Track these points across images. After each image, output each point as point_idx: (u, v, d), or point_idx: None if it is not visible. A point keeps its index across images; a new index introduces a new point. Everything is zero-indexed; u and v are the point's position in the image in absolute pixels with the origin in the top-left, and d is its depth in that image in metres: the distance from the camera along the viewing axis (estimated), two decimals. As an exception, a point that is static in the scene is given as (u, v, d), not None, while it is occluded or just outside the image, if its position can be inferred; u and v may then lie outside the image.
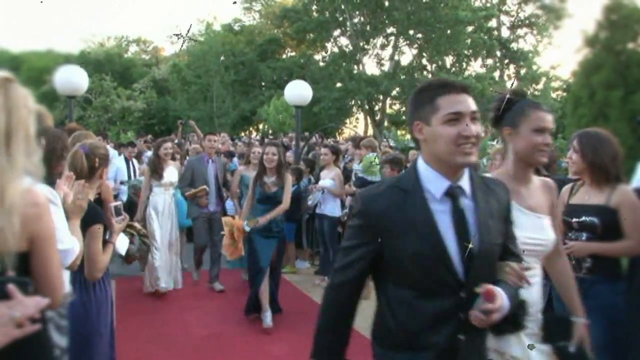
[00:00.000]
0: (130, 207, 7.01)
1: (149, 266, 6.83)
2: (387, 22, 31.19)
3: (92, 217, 2.90)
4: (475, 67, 32.28)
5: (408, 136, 31.11)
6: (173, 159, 7.68)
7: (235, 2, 35.69)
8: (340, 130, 31.13)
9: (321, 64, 32.53)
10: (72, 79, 9.00)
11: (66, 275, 2.62)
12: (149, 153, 10.82)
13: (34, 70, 28.93)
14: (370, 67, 47.45)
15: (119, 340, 3.58)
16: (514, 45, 31.83)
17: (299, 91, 9.64)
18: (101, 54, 35.51)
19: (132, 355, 4.85)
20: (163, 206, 6.77)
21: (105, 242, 3.05)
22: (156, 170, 6.70)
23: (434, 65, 32.40)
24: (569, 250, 3.35)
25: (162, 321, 5.94)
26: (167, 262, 6.77)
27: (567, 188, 3.57)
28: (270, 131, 24.92)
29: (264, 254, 5.76)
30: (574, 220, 3.38)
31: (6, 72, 1.66)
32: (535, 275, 2.40)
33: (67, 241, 2.20)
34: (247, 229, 5.80)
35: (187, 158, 9.04)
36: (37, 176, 1.70)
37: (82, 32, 61.31)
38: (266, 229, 5.80)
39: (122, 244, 3.37)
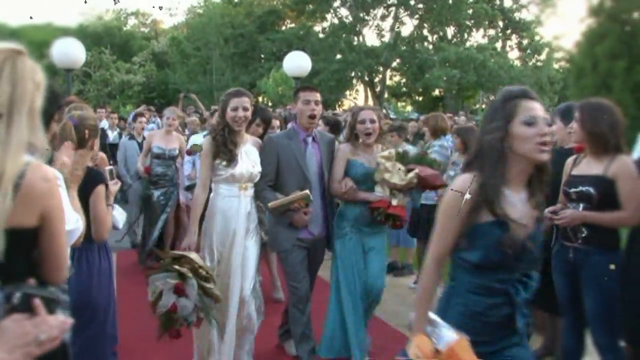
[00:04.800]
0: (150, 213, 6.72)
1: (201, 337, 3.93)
2: (387, -8, 30.84)
3: (94, 178, 2.99)
4: (477, 37, 31.99)
5: (408, 108, 31.06)
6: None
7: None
8: (340, 102, 30.99)
9: (321, 35, 32.24)
10: (69, 52, 8.95)
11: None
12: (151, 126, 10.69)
13: (32, 44, 28.60)
14: (370, 38, 47.08)
15: (119, 312, 3.60)
16: (516, 16, 31.45)
17: (297, 62, 9.58)
18: (100, 27, 35.19)
19: (131, 327, 4.87)
20: (240, 222, 3.90)
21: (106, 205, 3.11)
22: (225, 150, 3.83)
23: (435, 36, 32.09)
24: (562, 220, 3.35)
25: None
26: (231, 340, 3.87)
27: (571, 159, 3.55)
28: (270, 103, 24.81)
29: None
30: (572, 190, 3.36)
31: (16, 44, 1.62)
32: None
33: (72, 221, 2.20)
34: None
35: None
36: (42, 152, 1.67)
37: (81, 5, 60.66)
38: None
39: (119, 214, 3.40)
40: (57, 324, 1.46)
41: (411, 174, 3.94)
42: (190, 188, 6.76)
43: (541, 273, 3.71)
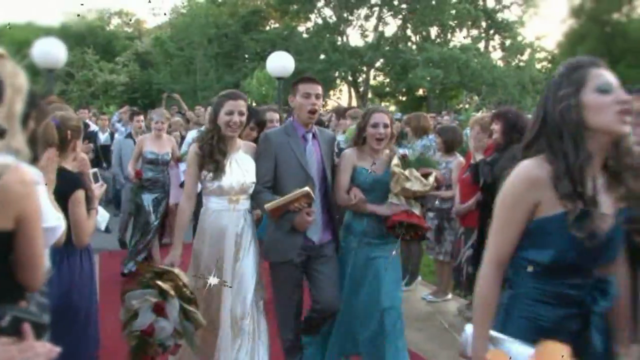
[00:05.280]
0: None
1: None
2: (371, -8, 30.91)
3: (73, 183, 2.91)
4: (460, 37, 32.15)
5: (392, 108, 31.13)
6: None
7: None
8: (324, 102, 30.97)
9: (305, 35, 32.22)
10: (51, 52, 8.84)
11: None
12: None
13: (13, 44, 28.33)
14: (354, 38, 47.14)
15: (102, 314, 3.56)
16: (499, 16, 31.66)
17: (281, 62, 9.55)
18: (83, 26, 34.84)
19: (115, 330, 4.82)
20: (228, 241, 3.55)
21: (88, 209, 3.04)
22: (211, 160, 3.52)
23: (418, 36, 32.21)
24: None
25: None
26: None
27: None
28: (254, 103, 24.74)
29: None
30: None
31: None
32: None
33: (52, 219, 2.16)
34: None
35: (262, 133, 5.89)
36: (22, 156, 1.65)
37: (63, 5, 60.06)
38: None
39: (101, 216, 3.34)
40: (43, 352, 1.44)
41: (431, 178, 3.66)
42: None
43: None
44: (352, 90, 34.17)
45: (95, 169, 3.34)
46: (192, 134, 7.10)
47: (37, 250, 1.69)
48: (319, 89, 3.68)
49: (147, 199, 6.41)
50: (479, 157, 4.83)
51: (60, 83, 27.19)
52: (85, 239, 3.01)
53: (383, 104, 34.01)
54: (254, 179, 3.60)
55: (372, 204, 3.69)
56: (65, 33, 28.19)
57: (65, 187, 2.79)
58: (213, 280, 3.31)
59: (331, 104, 31.77)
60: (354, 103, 31.78)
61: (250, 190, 3.60)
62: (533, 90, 29.15)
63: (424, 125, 6.42)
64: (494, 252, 1.86)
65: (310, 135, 3.73)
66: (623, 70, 10.72)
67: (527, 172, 1.80)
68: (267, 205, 3.46)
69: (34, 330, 1.45)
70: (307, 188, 3.41)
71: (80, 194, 2.95)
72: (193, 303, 3.12)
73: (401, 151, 4.01)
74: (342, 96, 35.99)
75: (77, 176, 3.03)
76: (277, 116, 5.31)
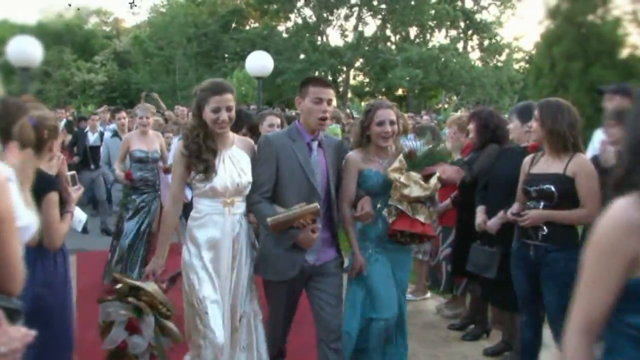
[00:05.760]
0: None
1: None
2: (351, -8, 30.95)
3: (46, 185, 2.86)
4: (439, 38, 32.34)
5: (373, 108, 31.21)
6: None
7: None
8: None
9: (284, 35, 32.16)
10: (26, 50, 8.71)
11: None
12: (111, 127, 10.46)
13: (-13, 42, 27.91)
14: (333, 38, 47.18)
15: (80, 316, 3.52)
16: (477, 17, 31.91)
17: (260, 62, 9.52)
18: (60, 25, 34.41)
19: (94, 332, 4.78)
20: (225, 248, 3.20)
21: (63, 212, 3.00)
22: (200, 160, 3.15)
23: (397, 36, 32.33)
24: (526, 221, 3.42)
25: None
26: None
27: (529, 158, 3.63)
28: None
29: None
30: (532, 188, 3.44)
31: None
32: None
33: (25, 217, 2.13)
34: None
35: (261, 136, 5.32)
36: None
37: (40, 2, 59.21)
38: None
39: (78, 217, 3.30)
40: (18, 336, 1.42)
41: (433, 180, 3.35)
42: None
43: (498, 271, 3.81)
44: (333, 89, 34.16)
45: (74, 172, 3.26)
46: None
47: (13, 252, 1.64)
48: (332, 94, 3.31)
49: (136, 199, 5.98)
50: (456, 156, 4.88)
51: (37, 82, 26.83)
52: (58, 241, 2.96)
53: (363, 103, 34.08)
54: (251, 179, 3.21)
55: (356, 244, 3.46)
56: (41, 31, 27.79)
57: (38, 188, 2.73)
58: (211, 309, 3.03)
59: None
60: (334, 103, 31.72)
61: (247, 191, 3.21)
62: (511, 90, 29.46)
63: (403, 125, 6.45)
64: (582, 316, 1.45)
65: (316, 144, 3.33)
66: (598, 71, 10.86)
67: (623, 216, 1.39)
68: (271, 220, 3.04)
69: (7, 316, 1.43)
70: (316, 204, 3.08)
71: (53, 195, 2.90)
72: (170, 318, 3.06)
73: (408, 145, 3.67)
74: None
75: (52, 177, 2.98)
76: (278, 121, 4.91)
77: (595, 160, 3.57)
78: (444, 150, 3.56)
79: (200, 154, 3.11)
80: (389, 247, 3.46)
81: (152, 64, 31.61)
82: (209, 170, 3.10)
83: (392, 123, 3.40)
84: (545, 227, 3.38)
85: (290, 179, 3.21)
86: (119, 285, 3.12)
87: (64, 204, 3.00)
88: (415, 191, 3.28)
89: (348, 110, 19.19)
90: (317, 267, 3.30)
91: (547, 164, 3.44)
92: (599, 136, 4.33)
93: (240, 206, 3.22)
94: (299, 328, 3.92)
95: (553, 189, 3.34)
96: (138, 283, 3.06)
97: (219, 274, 3.15)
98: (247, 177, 3.19)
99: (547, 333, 3.62)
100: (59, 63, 28.69)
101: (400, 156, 3.38)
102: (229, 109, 3.12)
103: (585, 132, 3.82)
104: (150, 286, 3.05)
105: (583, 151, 3.47)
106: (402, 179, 3.29)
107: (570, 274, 3.31)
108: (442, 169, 3.44)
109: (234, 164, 3.19)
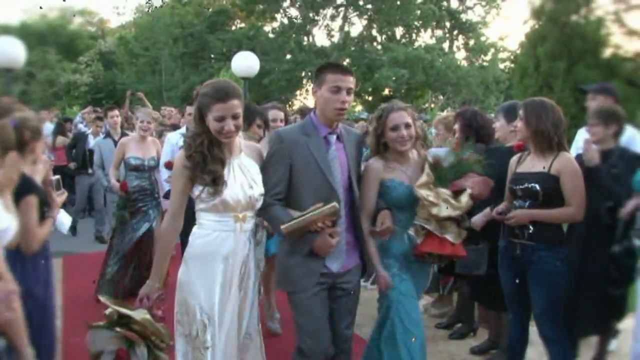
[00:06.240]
0: None
1: None
2: (337, -8, 30.98)
3: (25, 187, 2.81)
4: (425, 38, 32.46)
5: (358, 107, 31.27)
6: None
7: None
8: (290, 102, 30.97)
9: (271, 35, 32.11)
10: (9, 51, 8.61)
11: None
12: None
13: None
14: (320, 38, 47.15)
15: (66, 320, 3.50)
16: (463, 17, 32.06)
17: (246, 62, 9.49)
18: (43, 25, 34.13)
19: (81, 331, 4.75)
20: (235, 271, 2.83)
21: (44, 217, 2.96)
22: (206, 172, 2.75)
23: (383, 36, 32.40)
24: (512, 220, 3.44)
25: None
26: None
27: (515, 157, 3.65)
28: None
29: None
30: (518, 187, 3.46)
31: None
32: None
33: (2, 220, 2.11)
34: None
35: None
36: None
37: (23, 2, 58.67)
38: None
39: (63, 220, 3.27)
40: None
41: (464, 198, 3.06)
42: (169, 195, 5.74)
43: (488, 268, 3.83)
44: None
45: (58, 176, 3.20)
46: (175, 138, 5.72)
47: None
48: (352, 82, 2.97)
49: (141, 224, 5.60)
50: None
51: (20, 83, 26.58)
52: (34, 245, 2.91)
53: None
54: (262, 191, 2.85)
55: (379, 261, 3.14)
56: (25, 32, 27.58)
57: (17, 190, 2.66)
58: (211, 342, 2.69)
59: (297, 104, 31.77)
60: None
61: (259, 205, 2.85)
62: (497, 90, 29.64)
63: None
64: None
65: (334, 137, 3.03)
66: (581, 70, 10.96)
67: None
68: (285, 227, 2.76)
69: None
70: (334, 204, 2.77)
71: (31, 199, 2.85)
72: (165, 350, 2.86)
73: (433, 152, 3.33)
74: (308, 96, 36.02)
75: (31, 180, 2.93)
76: (281, 115, 4.62)
77: (579, 159, 3.60)
78: (472, 158, 3.24)
79: (206, 165, 2.70)
80: (413, 266, 3.22)
81: (138, 64, 31.43)
82: (218, 182, 2.70)
83: (407, 126, 3.11)
84: (530, 226, 3.40)
85: (305, 179, 2.91)
86: (108, 311, 2.88)
87: (44, 207, 2.95)
88: (444, 211, 3.00)
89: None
90: (340, 275, 3.00)
91: (533, 163, 3.46)
92: (582, 135, 4.38)
93: (250, 222, 2.85)
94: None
95: (538, 187, 3.36)
96: (128, 311, 2.77)
97: (226, 298, 2.75)
98: (259, 189, 2.82)
99: (533, 330, 3.65)
100: (43, 64, 28.42)
101: (427, 168, 3.10)
102: (235, 117, 2.70)
103: (570, 131, 3.86)
104: (141, 314, 2.72)
105: (568, 150, 3.49)
106: (431, 197, 2.99)
107: (556, 272, 3.36)
108: (471, 183, 3.12)
109: (245, 174, 2.82)
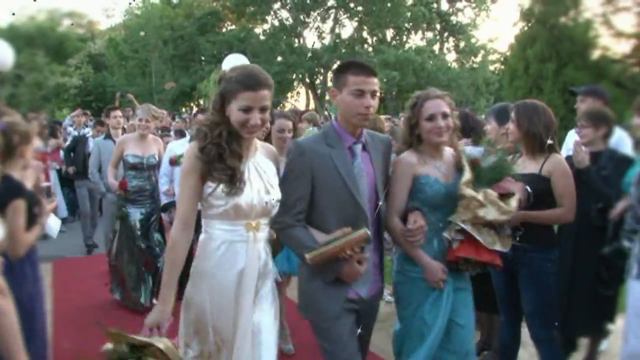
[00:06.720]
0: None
1: None
2: (327, -6, 31.06)
3: (13, 192, 2.79)
4: (416, 40, 32.60)
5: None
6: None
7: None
8: (281, 105, 30.96)
9: (262, 37, 32.12)
10: (-4, 54, 8.51)
11: None
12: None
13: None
14: (311, 40, 47.20)
15: (55, 325, 3.47)
16: (453, 19, 32.22)
17: (236, 64, 9.45)
18: (32, 27, 33.94)
19: (72, 336, 4.73)
20: (249, 284, 2.45)
21: (33, 222, 2.94)
22: (222, 166, 2.37)
23: (374, 38, 32.49)
24: None
25: (103, 301, 5.81)
26: None
27: (508, 159, 3.66)
28: (210, 107, 24.50)
29: None
30: (510, 189, 3.46)
31: None
32: None
33: None
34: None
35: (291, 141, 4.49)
36: None
37: (11, 5, 58.26)
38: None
39: (52, 224, 3.25)
40: None
41: (513, 202, 2.80)
42: (167, 208, 5.51)
43: (478, 275, 3.83)
44: (310, 92, 34.22)
45: (49, 183, 3.20)
46: (177, 146, 5.55)
47: None
48: (376, 83, 2.64)
49: (134, 214, 5.39)
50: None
51: (8, 86, 26.43)
52: (20, 250, 2.88)
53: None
54: (279, 196, 2.51)
55: (423, 253, 2.79)
56: (13, 34, 27.44)
57: (3, 195, 2.67)
58: None
59: (289, 106, 31.77)
60: (312, 105, 31.83)
61: (274, 212, 2.51)
62: (486, 91, 29.80)
63: (379, 127, 6.45)
64: None
65: (359, 147, 2.71)
66: (571, 72, 11.04)
67: None
68: (310, 257, 2.48)
69: None
70: (365, 230, 2.47)
71: (19, 203, 2.82)
72: None
73: (469, 151, 3.03)
74: (299, 98, 36.04)
75: (19, 184, 2.90)
76: (289, 124, 4.27)
77: (569, 160, 3.62)
78: (511, 162, 3.01)
79: (223, 159, 2.35)
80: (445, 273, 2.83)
81: (128, 66, 31.38)
82: (234, 180, 2.35)
83: (444, 116, 2.81)
84: (521, 227, 3.41)
85: (330, 197, 2.60)
86: (106, 346, 2.20)
87: (33, 213, 2.92)
88: (491, 214, 2.72)
89: (326, 112, 19.20)
90: (367, 301, 2.73)
91: (524, 165, 3.47)
92: (572, 137, 4.40)
93: (265, 230, 2.51)
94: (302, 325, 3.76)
95: (529, 189, 3.38)
96: (144, 338, 2.18)
97: (241, 317, 2.40)
98: (276, 193, 2.49)
99: (524, 331, 3.66)
100: (31, 66, 28.26)
101: (467, 165, 2.82)
102: (263, 110, 2.37)
103: (560, 132, 3.88)
104: (163, 342, 2.16)
105: (559, 152, 3.51)
106: (480, 197, 2.71)
107: (547, 273, 3.37)
108: (518, 187, 2.90)
109: (261, 176, 2.48)
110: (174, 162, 5.37)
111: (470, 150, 3.11)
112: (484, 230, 2.77)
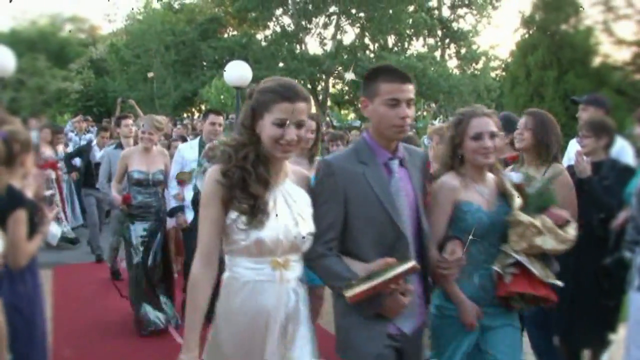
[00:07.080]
0: None
1: None
2: (329, 0, 31.06)
3: (15, 201, 2.79)
4: (417, 46, 32.65)
5: (351, 115, 31.35)
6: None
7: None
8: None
9: (263, 43, 32.17)
10: (-2, 59, 8.53)
11: None
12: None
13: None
14: (312, 46, 47.31)
15: (55, 333, 3.46)
16: (454, 25, 32.26)
17: (238, 72, 9.48)
18: (34, 32, 34.03)
19: (71, 343, 4.72)
20: (274, 330, 2.16)
21: (34, 231, 2.93)
22: (246, 195, 2.11)
23: (376, 45, 32.54)
24: None
25: (104, 309, 5.81)
26: None
27: (509, 169, 3.67)
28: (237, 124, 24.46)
29: None
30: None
31: None
32: None
33: None
34: None
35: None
36: None
37: (13, 9, 58.49)
38: None
39: (53, 231, 3.25)
40: None
41: (571, 230, 2.56)
42: (174, 212, 5.30)
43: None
44: (312, 98, 34.20)
45: (52, 191, 3.21)
46: (187, 148, 5.41)
47: None
48: (412, 91, 2.36)
49: (136, 229, 5.12)
50: (437, 166, 4.91)
51: (10, 91, 26.49)
52: (22, 260, 2.87)
53: (342, 111, 34.22)
54: (312, 229, 2.21)
55: (458, 289, 2.53)
56: (14, 39, 27.52)
57: (5, 205, 2.67)
58: None
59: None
60: (313, 111, 31.81)
61: (305, 247, 2.21)
62: (488, 98, 29.80)
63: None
64: None
65: (396, 163, 2.40)
66: (571, 79, 11.05)
67: None
68: (350, 295, 2.14)
69: None
70: (414, 263, 2.18)
71: (20, 213, 2.81)
72: None
73: (510, 176, 2.76)
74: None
75: (20, 194, 2.89)
76: (312, 124, 3.91)
77: (571, 170, 3.62)
78: (555, 191, 2.77)
79: (247, 186, 2.08)
80: (487, 312, 2.57)
81: (129, 72, 31.42)
82: (256, 211, 2.08)
83: (492, 135, 2.58)
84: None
85: (365, 221, 2.30)
86: None
87: (35, 222, 2.92)
88: (549, 243, 2.48)
89: (328, 119, 19.25)
90: (410, 338, 2.39)
91: (526, 173, 3.48)
92: (574, 146, 4.40)
93: (295, 268, 2.21)
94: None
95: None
96: None
97: None
98: (307, 227, 2.19)
99: (524, 341, 3.65)
100: (32, 71, 28.31)
101: (513, 190, 2.60)
102: (299, 125, 2.12)
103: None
104: None
105: (560, 161, 3.53)
106: (538, 223, 2.47)
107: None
108: (571, 213, 2.72)
109: (289, 207, 2.18)
110: (182, 182, 5.19)
111: (509, 175, 2.81)
112: (536, 262, 2.53)
